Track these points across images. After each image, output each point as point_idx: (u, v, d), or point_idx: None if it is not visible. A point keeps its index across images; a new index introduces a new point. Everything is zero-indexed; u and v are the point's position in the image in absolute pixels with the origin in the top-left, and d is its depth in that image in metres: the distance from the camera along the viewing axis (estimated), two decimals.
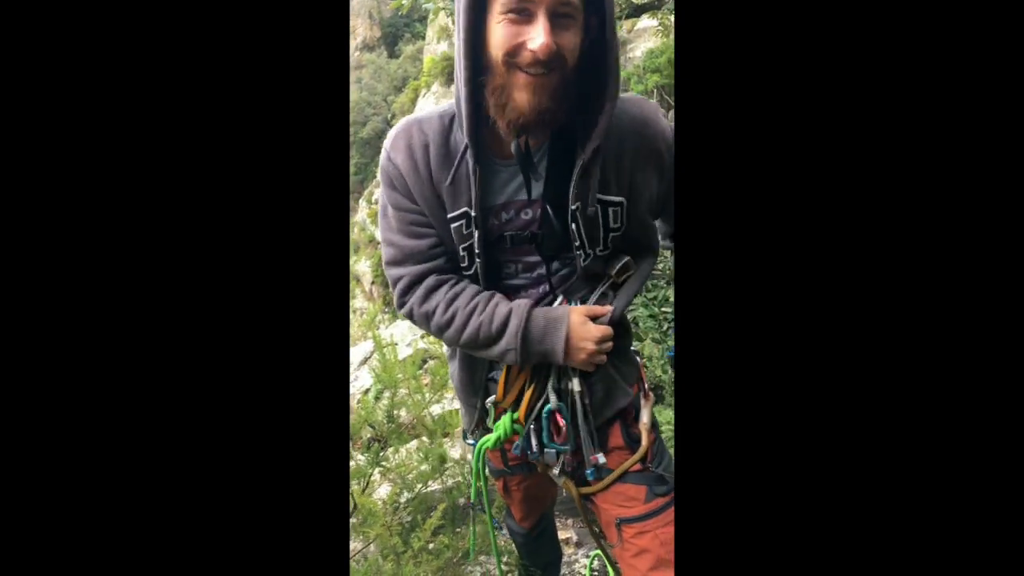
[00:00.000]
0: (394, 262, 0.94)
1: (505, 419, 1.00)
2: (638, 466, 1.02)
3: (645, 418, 1.04)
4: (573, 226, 0.87)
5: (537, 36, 0.71)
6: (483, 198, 0.86)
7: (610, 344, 0.92)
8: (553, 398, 0.96)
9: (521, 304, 0.89)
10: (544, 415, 0.97)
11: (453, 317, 0.90)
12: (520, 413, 0.99)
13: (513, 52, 0.74)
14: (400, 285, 0.95)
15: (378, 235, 0.97)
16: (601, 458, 0.99)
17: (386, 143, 0.89)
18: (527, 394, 0.98)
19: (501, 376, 1.00)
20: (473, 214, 0.86)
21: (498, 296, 0.91)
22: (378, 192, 0.96)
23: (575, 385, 0.96)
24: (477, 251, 0.89)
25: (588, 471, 0.99)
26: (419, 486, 1.97)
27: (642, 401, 1.07)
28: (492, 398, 1.04)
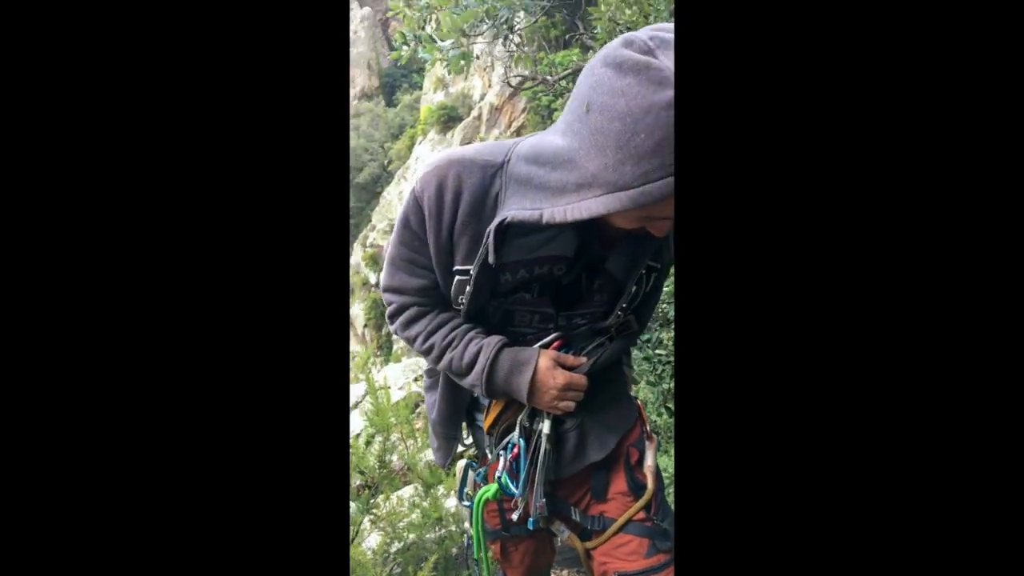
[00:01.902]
0: (387, 288, 0.96)
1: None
2: (641, 515, 0.98)
3: (650, 461, 1.01)
4: (634, 288, 0.91)
5: (663, 229, 0.76)
6: (512, 252, 0.85)
7: (578, 393, 0.91)
8: (517, 432, 0.96)
9: (491, 342, 0.89)
10: (509, 446, 0.97)
11: (431, 348, 0.93)
12: (486, 424, 0.99)
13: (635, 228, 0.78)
14: (389, 309, 0.98)
15: (371, 278, 0.98)
16: (544, 509, 0.98)
17: (417, 179, 0.85)
18: (503, 415, 0.99)
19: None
20: (474, 272, 0.84)
21: (474, 332, 0.91)
22: (372, 235, 0.96)
23: (545, 428, 0.95)
24: (463, 303, 0.89)
25: (530, 520, 0.97)
26: (410, 535, 1.89)
27: (646, 444, 1.03)
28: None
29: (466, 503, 1.09)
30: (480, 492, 1.02)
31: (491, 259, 0.79)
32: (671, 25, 0.67)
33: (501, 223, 0.77)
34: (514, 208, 0.77)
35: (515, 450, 0.97)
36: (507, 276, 0.87)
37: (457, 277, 0.87)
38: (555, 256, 0.87)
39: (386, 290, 0.96)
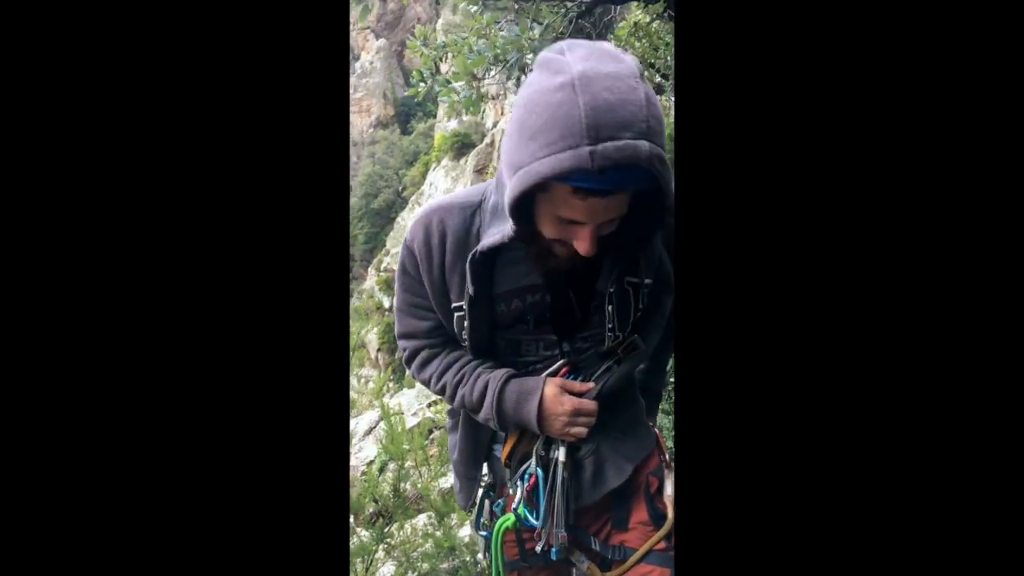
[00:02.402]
0: (400, 335, 1.03)
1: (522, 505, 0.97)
2: (662, 544, 0.96)
3: (669, 490, 1.00)
4: (610, 308, 0.89)
5: (584, 242, 0.73)
6: (503, 283, 0.88)
7: (589, 419, 0.91)
8: (533, 461, 0.96)
9: (498, 375, 0.92)
10: (526, 475, 0.97)
11: (444, 388, 0.97)
12: (503, 455, 0.99)
13: (560, 241, 0.76)
14: (404, 354, 1.03)
15: (385, 302, 1.01)
16: (566, 539, 0.96)
17: (407, 230, 0.94)
18: (518, 445, 0.99)
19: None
20: (466, 307, 0.87)
21: (482, 367, 0.94)
22: (387, 260, 0.99)
23: (560, 455, 0.95)
24: (466, 338, 0.92)
25: (553, 550, 0.96)
26: (424, 565, 1.86)
27: (665, 472, 1.02)
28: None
29: (483, 533, 1.08)
30: (499, 522, 1.00)
31: (470, 290, 0.84)
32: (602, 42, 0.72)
33: (474, 254, 0.82)
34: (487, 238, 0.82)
35: (531, 480, 0.96)
36: (503, 307, 0.90)
37: (456, 314, 0.91)
38: (543, 283, 0.89)
39: (399, 337, 1.03)
